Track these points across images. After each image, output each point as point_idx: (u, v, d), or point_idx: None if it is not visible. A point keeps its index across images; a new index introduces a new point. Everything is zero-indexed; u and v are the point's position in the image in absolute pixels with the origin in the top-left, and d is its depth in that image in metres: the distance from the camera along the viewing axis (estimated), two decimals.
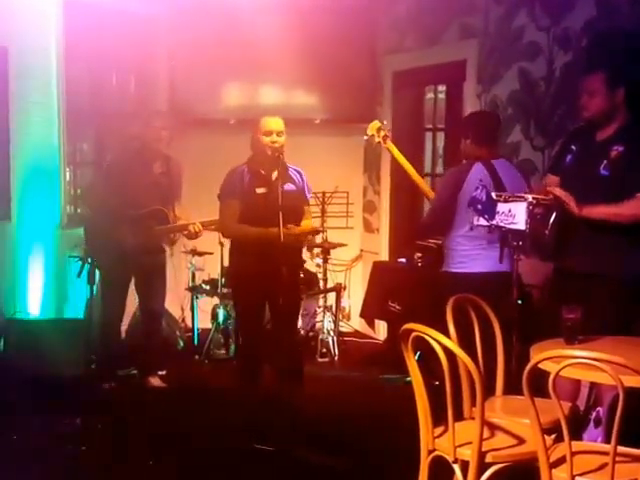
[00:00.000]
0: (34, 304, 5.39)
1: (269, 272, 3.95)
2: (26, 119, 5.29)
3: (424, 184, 4.54)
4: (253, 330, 4.33)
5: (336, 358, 5.90)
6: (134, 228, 4.63)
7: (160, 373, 5.09)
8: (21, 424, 4.15)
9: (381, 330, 6.43)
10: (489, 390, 3.24)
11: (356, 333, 6.65)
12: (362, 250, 6.89)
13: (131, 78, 6.45)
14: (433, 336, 2.78)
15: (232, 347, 5.72)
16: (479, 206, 3.64)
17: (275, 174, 4.16)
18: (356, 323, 6.71)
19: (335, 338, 5.96)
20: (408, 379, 3.00)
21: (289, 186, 4.19)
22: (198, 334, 5.95)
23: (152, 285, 4.87)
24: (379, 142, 4.57)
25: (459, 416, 3.00)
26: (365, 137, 4.62)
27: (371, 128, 4.61)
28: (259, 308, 4.30)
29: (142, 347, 5.00)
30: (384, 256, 6.54)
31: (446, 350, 2.76)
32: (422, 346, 2.83)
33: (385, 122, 4.66)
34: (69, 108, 5.67)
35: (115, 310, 4.87)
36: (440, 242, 4.61)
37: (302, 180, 4.27)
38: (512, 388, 3.30)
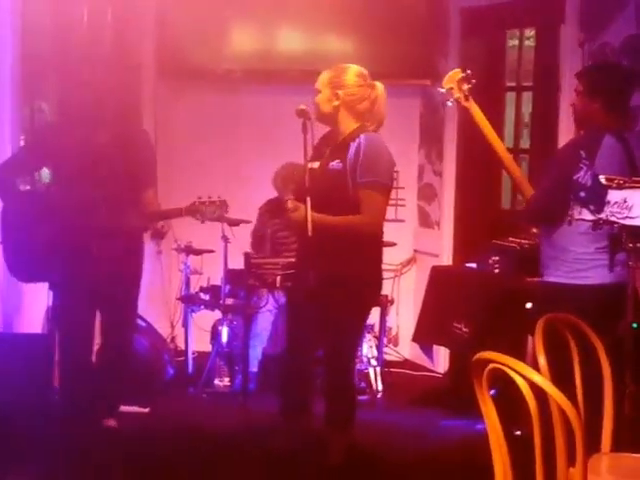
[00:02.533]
0: None
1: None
2: None
3: (513, 164, 4.51)
4: (300, 356, 4.48)
5: (379, 396, 5.90)
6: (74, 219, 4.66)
7: (140, 410, 5.12)
8: None
9: (441, 359, 6.44)
10: (592, 444, 3.22)
11: (407, 363, 6.69)
12: (416, 251, 6.91)
13: (107, 13, 6.47)
14: (517, 369, 2.76)
15: (239, 377, 5.76)
16: (582, 193, 3.62)
17: (332, 145, 4.35)
18: (406, 349, 6.72)
19: (378, 369, 5.96)
20: (479, 426, 2.99)
21: (336, 163, 4.30)
22: (193, 359, 5.98)
23: (117, 311, 4.89)
24: (459, 99, 4.55)
25: (551, 478, 2.98)
26: (442, 90, 4.60)
27: (449, 79, 4.58)
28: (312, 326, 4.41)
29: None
30: (446, 259, 6.57)
31: (535, 388, 2.74)
32: (498, 382, 2.82)
33: (469, 71, 4.63)
34: (25, 54, 5.67)
35: (76, 336, 4.88)
36: (526, 242, 4.60)
37: (357, 156, 4.28)
38: (624, 442, 3.28)
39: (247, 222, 5.94)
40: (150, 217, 4.80)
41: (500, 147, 4.46)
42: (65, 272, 4.68)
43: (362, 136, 4.30)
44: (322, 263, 4.15)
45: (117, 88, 4.74)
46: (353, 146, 4.28)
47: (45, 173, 5.36)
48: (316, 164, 4.34)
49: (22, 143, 5.73)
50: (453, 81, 4.58)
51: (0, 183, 4.85)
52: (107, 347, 4.95)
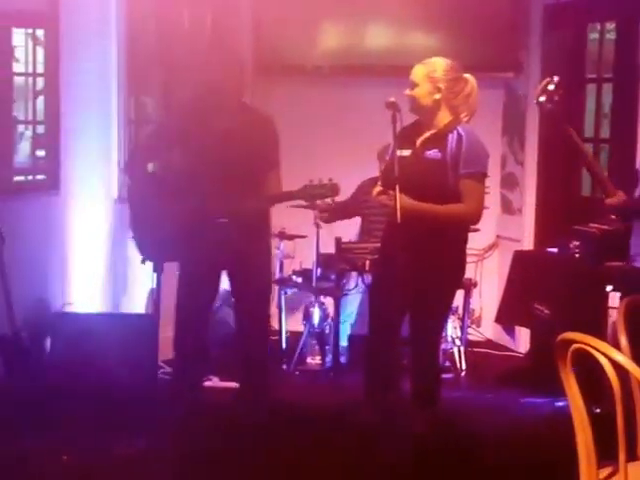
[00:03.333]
0: (87, 295, 5.52)
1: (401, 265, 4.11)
2: (77, 67, 5.44)
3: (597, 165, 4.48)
4: (385, 335, 4.46)
5: (463, 374, 5.91)
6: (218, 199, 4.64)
7: (232, 385, 5.19)
8: (73, 443, 4.30)
9: (522, 340, 6.40)
10: None
11: (489, 343, 6.68)
12: (499, 236, 6.87)
13: (207, 15, 6.55)
14: (600, 349, 2.74)
15: (329, 356, 5.82)
16: None
17: (427, 135, 4.33)
18: (489, 330, 6.71)
19: (462, 349, 5.97)
20: (559, 404, 2.97)
21: (433, 153, 4.30)
22: (287, 338, 6.05)
23: (252, 283, 4.82)
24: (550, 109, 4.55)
25: (632, 455, 2.96)
26: (539, 100, 4.60)
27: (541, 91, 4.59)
28: (398, 306, 4.40)
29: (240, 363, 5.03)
30: (528, 244, 6.51)
31: (617, 367, 2.72)
32: (578, 362, 2.80)
33: (556, 78, 4.61)
34: (130, 53, 5.81)
35: (193, 313, 4.88)
36: (606, 228, 4.55)
37: (458, 147, 4.27)
38: None
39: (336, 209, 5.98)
40: (268, 200, 4.71)
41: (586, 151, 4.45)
42: (192, 253, 4.65)
43: (460, 128, 4.29)
44: (410, 247, 4.16)
45: (234, 76, 4.69)
46: (452, 137, 4.26)
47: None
48: (406, 152, 4.33)
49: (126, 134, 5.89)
50: (544, 92, 4.58)
51: (133, 166, 4.92)
52: (242, 335, 4.92)
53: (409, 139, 4.36)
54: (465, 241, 4.47)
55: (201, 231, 4.56)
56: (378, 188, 4.42)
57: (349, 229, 6.30)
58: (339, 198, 5.95)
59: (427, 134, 4.37)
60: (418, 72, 4.34)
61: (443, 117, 4.35)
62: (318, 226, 5.75)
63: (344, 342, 5.90)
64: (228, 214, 4.56)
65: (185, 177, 4.66)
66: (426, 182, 4.25)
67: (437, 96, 4.30)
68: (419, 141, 4.37)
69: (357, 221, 6.26)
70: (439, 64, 4.34)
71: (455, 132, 4.28)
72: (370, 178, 5.90)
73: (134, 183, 4.89)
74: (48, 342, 5.09)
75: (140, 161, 4.94)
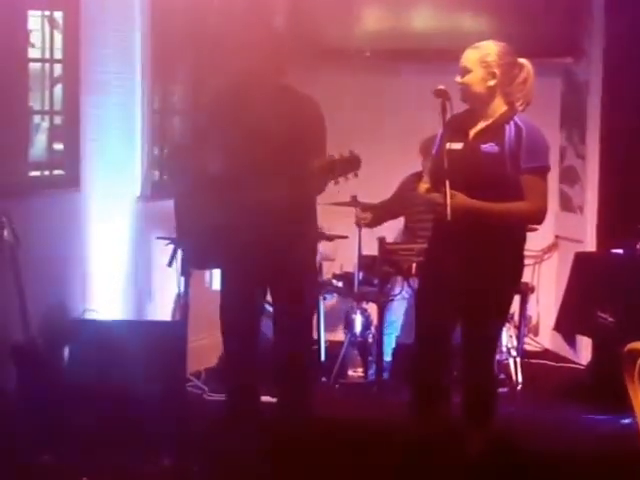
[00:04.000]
0: (109, 300, 5.53)
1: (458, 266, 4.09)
2: (98, 52, 5.45)
3: None
4: (434, 345, 4.43)
5: (519, 388, 5.86)
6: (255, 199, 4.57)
7: (269, 400, 5.16)
8: (93, 461, 4.30)
9: (584, 350, 6.34)
10: None
11: (547, 353, 6.65)
12: (558, 236, 6.83)
13: None
14: None
15: (372, 368, 5.81)
16: None
17: (482, 126, 4.28)
18: (547, 339, 6.68)
19: (518, 360, 5.92)
20: (625, 421, 2.93)
21: (490, 146, 4.24)
22: (326, 348, 6.02)
23: (296, 285, 4.74)
24: None
25: None
26: None
27: None
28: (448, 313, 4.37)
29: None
30: (590, 245, 6.46)
31: None
32: None
33: None
34: (156, 36, 5.79)
35: (245, 328, 4.81)
36: None
37: (518, 140, 4.22)
38: None
39: (380, 208, 5.93)
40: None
41: None
42: (234, 255, 4.62)
43: (518, 119, 4.24)
44: (462, 247, 4.12)
45: (273, 56, 4.64)
46: (509, 129, 4.21)
47: None
48: (457, 145, 4.28)
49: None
50: None
51: (174, 165, 4.93)
52: (281, 339, 4.86)
53: (460, 131, 4.30)
54: (524, 240, 4.41)
55: (245, 231, 4.51)
56: (425, 185, 4.38)
57: (393, 229, 6.29)
58: (382, 197, 5.93)
59: (481, 125, 4.30)
60: (470, 57, 4.26)
61: (498, 106, 4.28)
62: (360, 226, 5.73)
63: (388, 353, 5.88)
64: (270, 210, 4.47)
65: (225, 172, 4.61)
66: (481, 178, 4.19)
67: (491, 83, 4.24)
68: (472, 133, 4.31)
69: (401, 221, 6.23)
70: (492, 48, 4.26)
71: (512, 123, 4.22)
72: (413, 174, 5.87)
73: (177, 184, 4.88)
74: (66, 351, 5.09)
75: (180, 160, 4.92)
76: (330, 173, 4.31)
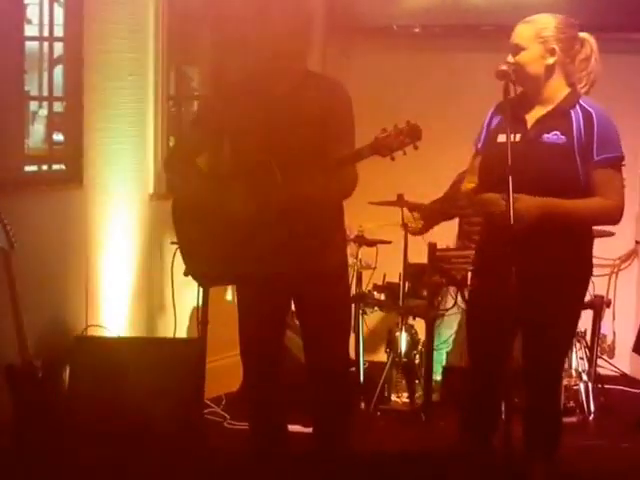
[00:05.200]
0: (116, 315, 5.59)
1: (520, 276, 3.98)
2: (104, 30, 5.48)
3: None
4: (490, 367, 4.40)
5: (591, 418, 5.85)
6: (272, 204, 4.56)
7: (304, 430, 5.15)
8: None
9: None
10: None
11: (625, 378, 6.62)
12: (638, 242, 6.82)
13: None
14: None
15: (419, 392, 5.80)
16: None
17: (542, 112, 4.24)
18: (625, 362, 6.66)
19: (590, 386, 5.90)
20: None
21: (554, 136, 4.18)
22: (366, 370, 6.01)
23: (323, 298, 4.68)
24: None
25: None
26: None
27: None
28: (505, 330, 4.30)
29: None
30: None
31: None
32: None
33: None
34: (170, 12, 5.84)
35: (264, 351, 4.77)
36: None
37: (589, 127, 4.18)
38: None
39: (431, 209, 5.91)
40: (329, 166, 4.50)
41: None
42: (249, 267, 4.53)
43: (584, 103, 4.19)
44: (523, 252, 4.06)
45: (301, 36, 4.62)
46: (576, 115, 4.17)
47: None
48: (516, 137, 4.18)
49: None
50: None
51: (175, 161, 4.82)
52: (313, 360, 4.81)
53: (514, 119, 4.22)
54: (591, 246, 4.37)
55: (261, 237, 4.45)
56: (470, 184, 4.34)
57: (445, 233, 6.25)
58: (431, 196, 5.89)
59: (541, 111, 4.25)
60: (524, 32, 4.20)
61: (558, 88, 4.23)
62: (407, 228, 5.70)
63: (438, 375, 5.87)
64: (290, 211, 4.41)
65: (240, 164, 4.61)
66: (547, 174, 4.13)
67: (550, 60, 4.17)
68: (530, 121, 4.27)
69: (455, 223, 6.20)
70: (549, 20, 4.20)
71: (578, 107, 4.18)
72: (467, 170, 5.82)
73: (178, 183, 4.86)
74: (67, 373, 5.15)
75: (185, 154, 4.81)
76: (382, 149, 4.24)
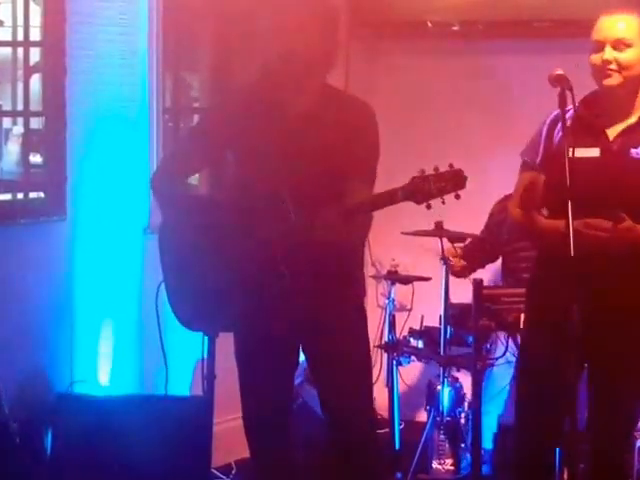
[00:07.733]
0: (105, 369, 5.64)
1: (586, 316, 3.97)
2: (90, 32, 5.55)
3: None
4: (547, 429, 4.44)
5: None
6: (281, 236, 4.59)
7: None
8: None
9: None
10: None
11: None
12: None
13: None
14: None
15: (466, 459, 5.89)
16: None
17: (630, 122, 4.27)
18: None
19: None
20: None
21: (638, 151, 4.23)
22: (402, 432, 6.04)
23: (337, 356, 4.73)
24: None
25: None
26: None
27: None
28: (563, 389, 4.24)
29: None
30: None
31: None
32: None
33: None
34: (168, 12, 5.96)
35: (267, 411, 4.84)
36: None
37: None
38: None
39: (472, 249, 5.96)
40: (350, 211, 4.44)
41: None
42: (246, 312, 4.59)
43: None
44: (590, 292, 4.07)
45: (322, 43, 4.59)
46: None
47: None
48: (593, 151, 4.27)
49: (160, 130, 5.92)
50: None
51: (163, 181, 4.83)
52: (334, 432, 4.81)
53: (589, 129, 4.29)
54: None
55: (263, 278, 4.48)
56: (517, 209, 4.36)
57: (489, 268, 6.27)
58: (477, 224, 5.92)
59: (629, 121, 4.30)
60: (631, 25, 4.21)
61: None
62: (448, 262, 5.72)
63: (489, 439, 5.88)
64: (298, 247, 4.42)
65: (243, 194, 4.64)
66: (633, 197, 4.18)
67: None
68: (612, 133, 4.31)
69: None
70: None
71: None
72: (507, 196, 5.83)
73: (166, 208, 4.86)
74: (48, 437, 5.19)
75: (176, 173, 4.87)
76: (419, 194, 4.22)
